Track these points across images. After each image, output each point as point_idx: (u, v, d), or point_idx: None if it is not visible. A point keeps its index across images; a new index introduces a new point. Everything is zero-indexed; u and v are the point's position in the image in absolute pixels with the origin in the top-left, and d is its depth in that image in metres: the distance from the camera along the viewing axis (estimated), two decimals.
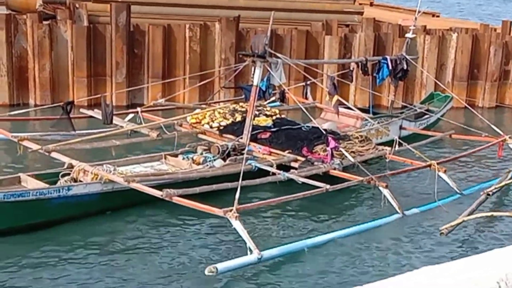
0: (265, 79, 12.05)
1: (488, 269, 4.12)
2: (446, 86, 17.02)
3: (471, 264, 4.40)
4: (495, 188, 10.84)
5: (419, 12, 14.50)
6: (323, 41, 17.42)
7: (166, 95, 15.43)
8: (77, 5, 16.26)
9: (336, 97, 11.85)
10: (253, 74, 11.62)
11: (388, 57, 13.88)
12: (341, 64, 16.55)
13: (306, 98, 14.66)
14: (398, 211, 10.12)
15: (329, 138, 10.89)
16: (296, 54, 16.72)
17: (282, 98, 14.40)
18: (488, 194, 10.54)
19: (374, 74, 13.80)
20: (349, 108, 13.08)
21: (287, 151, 11.36)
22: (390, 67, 13.55)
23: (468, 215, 9.74)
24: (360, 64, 13.64)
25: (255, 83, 11.49)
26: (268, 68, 11.52)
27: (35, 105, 15.43)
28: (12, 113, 11.71)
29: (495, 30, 18.91)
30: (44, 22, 15.81)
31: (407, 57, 13.97)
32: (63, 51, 15.79)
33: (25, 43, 15.58)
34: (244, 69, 13.32)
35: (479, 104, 17.96)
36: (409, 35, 14.34)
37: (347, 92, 17.04)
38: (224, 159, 10.92)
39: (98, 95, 12.77)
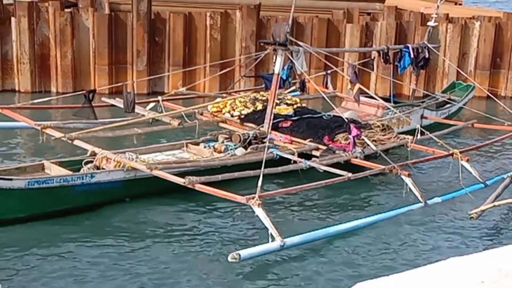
0: (285, 68, 12.01)
1: None
2: (468, 75, 16.87)
3: (500, 255, 4.36)
4: None
5: (441, 0, 14.37)
6: (344, 29, 17.35)
7: (186, 83, 15.47)
8: None
9: (357, 86, 11.80)
10: (275, 63, 11.58)
11: (410, 46, 13.79)
12: (362, 52, 16.46)
13: (327, 87, 14.62)
14: (421, 200, 10.08)
15: (351, 126, 10.85)
16: (317, 42, 16.67)
17: (302, 87, 14.32)
18: None
19: (396, 63, 13.74)
20: (370, 97, 13.02)
21: (308, 140, 11.35)
22: (412, 56, 13.47)
23: (494, 199, 9.69)
24: (381, 52, 13.57)
25: (276, 72, 11.46)
26: (290, 57, 11.48)
27: (57, 93, 15.58)
28: (35, 101, 11.77)
29: None
30: (66, 10, 15.95)
31: (429, 45, 13.87)
32: (85, 39, 15.88)
33: (47, 31, 15.68)
34: (264, 58, 13.29)
35: (501, 93, 17.79)
36: (431, 23, 14.23)
37: (367, 80, 16.94)
38: (245, 148, 10.93)
39: (120, 83, 12.83)
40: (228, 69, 14.52)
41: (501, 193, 10.00)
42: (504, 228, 9.69)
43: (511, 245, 5.26)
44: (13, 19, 15.47)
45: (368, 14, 18.20)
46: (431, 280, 3.91)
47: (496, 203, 9.60)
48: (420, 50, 13.64)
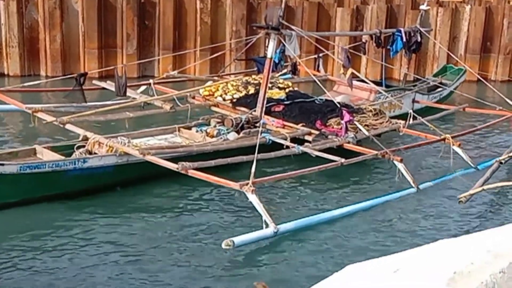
0: (277, 51, 11.96)
1: (507, 242, 4.09)
2: (458, 59, 16.89)
3: (489, 237, 4.37)
4: (508, 157, 10.84)
5: None
6: (335, 13, 17.34)
7: (177, 67, 15.41)
8: None
9: (350, 70, 11.78)
10: (267, 47, 11.52)
11: (402, 30, 13.77)
12: (353, 36, 16.42)
13: (318, 71, 14.60)
14: (413, 185, 10.09)
15: (344, 112, 10.83)
16: (308, 26, 16.64)
17: (294, 70, 14.33)
18: (501, 162, 10.61)
19: (388, 47, 13.71)
20: (363, 81, 13.00)
21: (300, 124, 11.32)
22: (404, 40, 13.45)
23: (483, 183, 9.74)
24: (374, 36, 13.54)
25: (269, 56, 11.40)
26: (282, 41, 11.43)
27: (46, 76, 15.45)
28: (26, 84, 11.66)
29: (508, 2, 18.73)
30: None
31: (421, 29, 13.84)
32: (74, 23, 15.76)
33: (36, 14, 15.54)
34: (255, 41, 13.24)
35: (491, 77, 17.85)
36: (423, 7, 14.21)
37: (358, 64, 16.95)
38: (237, 132, 10.89)
39: (111, 67, 12.73)
40: (219, 53, 14.44)
41: (490, 177, 10.05)
42: (492, 211, 9.75)
43: (499, 227, 5.28)
44: (1, 2, 15.32)
45: None
46: (420, 262, 3.91)
47: (485, 187, 9.66)
48: (412, 34, 13.62)
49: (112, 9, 15.96)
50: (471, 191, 9.44)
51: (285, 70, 13.96)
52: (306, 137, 11.04)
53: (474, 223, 9.31)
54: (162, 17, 16.28)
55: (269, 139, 10.63)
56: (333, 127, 11.13)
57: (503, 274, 3.49)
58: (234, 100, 12.14)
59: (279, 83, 12.94)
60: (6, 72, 15.58)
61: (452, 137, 11.18)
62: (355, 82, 12.53)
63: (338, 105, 11.17)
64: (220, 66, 16.00)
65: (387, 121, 11.77)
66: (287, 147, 10.43)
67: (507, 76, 18.22)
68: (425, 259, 3.95)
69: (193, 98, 12.35)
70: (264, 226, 8.19)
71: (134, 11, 15.97)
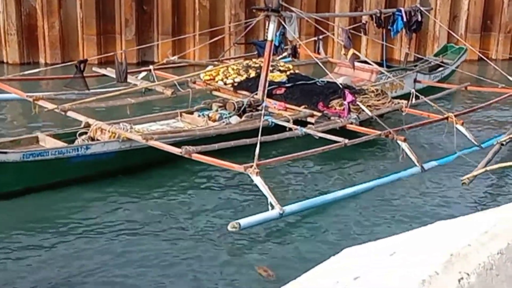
0: (278, 34, 11.90)
1: (505, 222, 4.06)
2: (459, 38, 16.81)
3: (487, 218, 4.34)
4: (509, 138, 10.81)
5: None
6: None
7: (176, 52, 15.34)
8: None
9: (351, 51, 11.71)
10: (267, 29, 11.46)
11: (402, 9, 13.69)
12: (353, 17, 16.33)
13: (319, 53, 14.54)
14: (417, 164, 10.05)
15: (346, 92, 10.78)
16: (307, 7, 16.54)
17: (294, 53, 14.27)
18: (502, 144, 10.57)
19: (389, 27, 13.63)
20: (364, 61, 12.93)
21: (302, 107, 11.28)
22: (405, 19, 13.38)
23: (485, 165, 9.72)
24: (374, 16, 13.47)
25: (269, 38, 11.34)
26: (283, 22, 11.36)
27: (45, 64, 15.39)
28: (26, 72, 11.62)
29: None
30: None
31: (422, 8, 13.77)
32: (72, 9, 15.67)
33: (34, 1, 15.47)
34: (254, 25, 13.17)
35: (492, 56, 17.77)
36: None
37: (358, 45, 16.84)
38: (240, 116, 10.85)
39: (111, 53, 12.68)
40: (218, 38, 14.36)
41: (492, 158, 10.04)
42: (495, 193, 9.72)
43: (497, 207, 5.25)
44: None
45: None
46: (416, 244, 3.88)
47: (488, 168, 9.64)
48: (412, 14, 13.55)
49: None
50: (474, 173, 9.42)
51: (285, 54, 13.89)
52: (309, 119, 11.00)
53: (476, 204, 9.29)
54: (161, 2, 16.18)
55: (272, 122, 10.59)
56: (335, 109, 11.10)
57: (501, 255, 3.45)
58: (235, 84, 12.09)
59: (280, 66, 12.88)
60: (5, 60, 15.50)
61: (455, 116, 11.14)
62: (356, 63, 12.46)
63: (340, 86, 11.12)
64: (219, 50, 15.92)
65: (389, 101, 11.73)
66: (290, 129, 10.40)
67: (508, 54, 18.16)
68: (422, 241, 3.92)
69: (194, 83, 12.30)
70: (269, 208, 8.18)
71: None
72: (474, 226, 3.96)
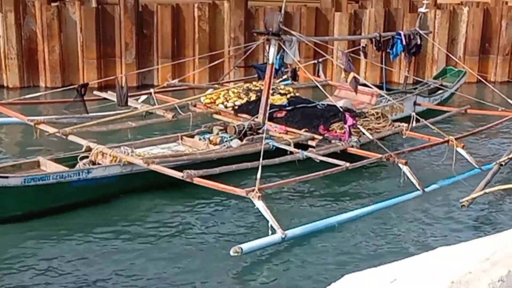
0: (278, 57, 11.94)
1: (505, 249, 4.04)
2: (457, 61, 16.90)
3: (487, 244, 4.32)
4: (508, 159, 10.83)
5: None
6: (332, 17, 17.35)
7: (176, 75, 15.40)
8: None
9: (352, 74, 11.73)
10: (268, 53, 11.50)
11: (401, 33, 13.76)
12: (352, 41, 16.42)
13: (318, 76, 14.59)
14: (418, 187, 10.05)
15: (347, 116, 10.80)
16: (306, 31, 16.63)
17: (294, 76, 14.32)
18: (501, 165, 10.59)
19: (388, 50, 13.68)
20: (365, 85, 12.97)
21: (303, 130, 11.29)
22: (404, 43, 13.43)
23: (484, 186, 9.73)
24: (373, 40, 13.53)
25: (270, 61, 11.37)
26: (283, 46, 11.40)
27: (46, 88, 15.45)
28: (27, 96, 11.65)
29: (506, 3, 18.74)
30: (53, 4, 15.79)
31: (421, 32, 13.84)
32: (72, 33, 15.74)
33: (34, 25, 15.53)
34: (253, 48, 13.23)
35: (491, 78, 17.85)
36: (422, 9, 14.20)
37: (358, 68, 16.87)
38: (240, 139, 10.86)
39: (112, 77, 12.72)
40: (218, 61, 14.41)
41: (491, 180, 10.06)
42: (494, 215, 9.71)
43: (498, 233, 5.23)
44: None
45: (357, 2, 18.19)
46: (417, 271, 3.87)
47: (486, 190, 9.65)
48: (412, 37, 13.61)
49: (110, 18, 15.94)
50: (473, 195, 9.44)
51: (285, 76, 13.93)
52: (310, 142, 11.01)
53: (476, 227, 9.29)
54: (160, 26, 16.26)
55: (273, 145, 10.59)
56: (336, 132, 11.11)
57: (502, 283, 3.45)
58: (236, 107, 12.11)
59: (280, 89, 12.91)
60: (5, 84, 15.54)
61: (456, 139, 11.14)
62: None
63: (341, 110, 11.14)
64: (219, 74, 15.98)
65: (389, 124, 11.75)
66: (291, 152, 10.40)
67: (507, 77, 18.24)
68: (423, 268, 3.91)
69: (195, 106, 12.33)
70: (271, 232, 8.15)
71: (132, 20, 15.95)
72: (474, 252, 3.95)
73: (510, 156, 10.95)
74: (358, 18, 17.46)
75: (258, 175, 8.53)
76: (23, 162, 9.63)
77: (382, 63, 14.25)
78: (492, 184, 10.00)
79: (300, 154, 10.25)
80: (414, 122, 11.62)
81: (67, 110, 11.22)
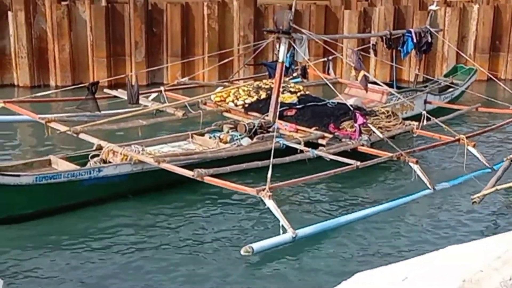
0: (288, 55, 11.93)
1: None
2: (468, 58, 16.83)
3: (499, 242, 4.30)
4: None
5: None
6: (342, 15, 17.31)
7: (185, 73, 15.42)
8: None
9: (362, 73, 11.71)
10: (278, 51, 11.49)
11: (412, 30, 13.71)
12: (361, 38, 16.40)
13: (328, 74, 14.57)
14: (429, 186, 10.03)
15: (357, 114, 10.79)
16: (315, 29, 16.57)
17: (304, 74, 14.30)
18: None
19: (399, 48, 13.65)
20: (375, 83, 12.93)
21: (313, 128, 11.27)
22: (415, 40, 13.39)
23: (495, 183, 9.71)
24: (384, 38, 13.49)
25: (280, 60, 11.36)
26: (293, 44, 11.38)
27: (56, 86, 15.47)
28: (38, 94, 11.70)
29: None
30: (63, 3, 15.82)
31: (431, 29, 13.79)
32: (82, 32, 15.76)
33: (44, 24, 15.56)
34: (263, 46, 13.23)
35: (501, 76, 17.76)
36: (432, 7, 14.15)
37: (367, 66, 16.85)
38: (251, 137, 10.85)
39: (122, 75, 12.73)
40: (228, 60, 14.43)
41: (501, 176, 10.06)
42: (506, 212, 9.68)
43: (509, 231, 5.22)
44: (10, 13, 15.33)
45: None
46: (428, 270, 3.86)
47: (498, 187, 9.65)
48: (422, 35, 13.56)
49: (120, 17, 15.95)
50: (484, 192, 9.45)
51: (295, 74, 13.91)
52: (320, 141, 10.98)
53: (488, 224, 9.29)
54: (170, 24, 16.26)
55: (283, 144, 10.58)
56: (346, 130, 11.09)
57: None
58: (246, 105, 12.11)
59: (291, 87, 12.89)
60: (16, 83, 15.58)
61: (467, 137, 11.11)
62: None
63: (351, 108, 11.12)
64: (228, 72, 15.97)
65: (400, 123, 11.73)
66: (301, 151, 10.38)
67: None
68: (434, 266, 3.91)
69: (205, 104, 12.33)
70: (281, 231, 8.15)
71: (141, 18, 15.97)
72: (486, 251, 3.95)
73: None
74: (367, 16, 17.42)
75: (269, 174, 8.52)
76: (34, 161, 9.65)
77: (392, 61, 14.21)
78: (503, 180, 9.95)
79: (311, 152, 10.24)
80: (424, 121, 11.61)
81: (79, 108, 11.23)
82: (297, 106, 11.92)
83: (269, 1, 17.14)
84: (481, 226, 9.24)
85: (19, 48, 15.38)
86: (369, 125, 11.05)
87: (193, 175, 8.87)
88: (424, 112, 11.73)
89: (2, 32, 15.43)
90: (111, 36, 15.92)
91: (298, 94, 12.60)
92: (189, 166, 9.22)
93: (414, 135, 11.69)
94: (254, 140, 10.78)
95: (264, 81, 13.18)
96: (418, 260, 4.24)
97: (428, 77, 15.78)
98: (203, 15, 16.48)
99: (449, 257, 4.08)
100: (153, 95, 12.75)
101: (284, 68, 11.62)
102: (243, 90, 12.55)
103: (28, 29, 15.38)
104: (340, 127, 11.19)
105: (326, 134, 11.09)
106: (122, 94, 12.01)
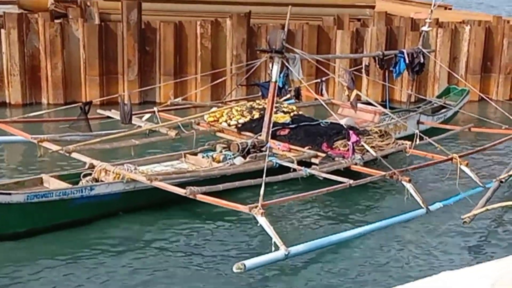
0: (281, 76, 11.95)
1: (511, 274, 4.00)
2: (460, 79, 16.89)
3: (492, 269, 4.28)
4: (508, 175, 10.84)
5: (434, 5, 14.36)
6: (334, 35, 17.34)
7: (178, 93, 15.43)
8: (88, 3, 16.24)
9: (354, 92, 11.75)
10: (271, 70, 11.50)
11: (404, 51, 13.77)
12: (354, 58, 16.46)
13: (322, 95, 14.59)
14: (422, 205, 10.03)
15: (351, 133, 10.79)
16: (308, 49, 16.57)
17: (297, 94, 14.30)
18: (501, 182, 10.61)
19: (391, 68, 13.70)
20: (368, 103, 12.96)
21: (306, 147, 11.27)
22: (407, 61, 13.44)
23: (485, 203, 9.74)
24: (377, 58, 13.54)
25: (273, 79, 11.37)
26: (286, 64, 11.41)
27: (48, 104, 15.43)
28: (31, 114, 11.70)
29: (508, 22, 18.77)
30: (56, 21, 15.79)
31: (424, 50, 13.85)
32: (75, 50, 15.74)
33: (37, 42, 15.53)
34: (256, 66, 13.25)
35: (493, 97, 17.81)
36: (425, 28, 14.23)
37: (359, 86, 16.86)
38: (244, 157, 10.84)
39: (115, 95, 12.73)
40: (221, 80, 14.45)
41: (491, 196, 10.08)
42: (496, 232, 9.73)
43: (503, 258, 5.18)
44: (2, 30, 15.28)
45: (358, 20, 18.18)
46: None
47: (488, 207, 9.67)
48: (415, 55, 13.62)
49: (113, 35, 15.96)
50: (474, 212, 9.46)
51: (288, 95, 13.91)
52: (313, 160, 10.98)
53: (479, 245, 9.32)
54: (163, 43, 16.27)
55: (276, 163, 10.57)
56: (339, 149, 11.09)
57: None
58: (239, 125, 12.10)
59: (284, 107, 12.89)
60: (7, 101, 15.49)
61: (460, 157, 11.14)
62: (359, 105, 12.51)
63: (344, 127, 11.13)
64: (221, 91, 15.98)
65: (393, 142, 11.74)
66: (294, 170, 10.38)
67: (508, 95, 18.23)
68: None
69: (198, 124, 12.31)
70: (274, 248, 8.12)
71: (134, 37, 15.97)
72: (479, 277, 3.91)
73: (510, 173, 10.95)
74: (360, 36, 17.47)
75: (262, 192, 8.49)
76: (26, 179, 9.61)
77: (384, 81, 14.26)
78: (493, 201, 9.98)
79: (303, 171, 10.24)
80: (417, 140, 11.62)
81: (71, 128, 11.22)
82: (290, 126, 11.92)
83: (262, 21, 17.19)
84: (474, 246, 9.28)
85: (12, 65, 15.33)
86: (362, 143, 11.05)
87: (185, 193, 8.85)
88: (416, 131, 11.76)
89: None
90: (104, 54, 15.91)
91: (291, 114, 12.60)
92: (182, 185, 9.19)
93: (407, 155, 11.70)
94: (247, 159, 10.76)
95: (258, 101, 13.18)
96: (411, 286, 4.20)
97: (421, 97, 15.82)
98: (196, 34, 16.49)
99: (442, 284, 4.05)
100: (147, 115, 12.72)
101: (277, 88, 11.64)
102: (236, 110, 12.55)
103: (21, 47, 15.35)
104: (333, 146, 11.20)
105: (319, 153, 11.09)
106: (115, 114, 11.98)
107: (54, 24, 15.53)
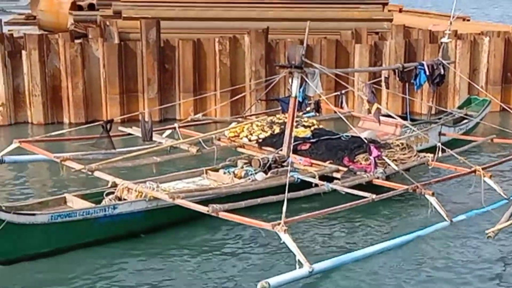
0: (301, 90, 11.92)
1: None
2: (480, 90, 16.79)
3: None
4: None
5: (453, 16, 14.31)
6: (353, 49, 17.33)
7: (198, 109, 15.48)
8: (107, 23, 16.34)
9: (375, 105, 11.71)
10: (291, 86, 11.51)
11: (424, 63, 13.70)
12: (373, 72, 16.42)
13: (342, 108, 14.56)
14: (446, 218, 9.95)
15: (372, 147, 10.75)
16: (327, 63, 16.57)
17: (317, 108, 14.29)
18: None
19: (412, 81, 13.64)
20: (389, 115, 12.90)
21: (328, 162, 11.22)
22: (428, 73, 13.38)
23: (510, 216, 9.60)
24: (397, 71, 13.50)
25: (293, 94, 11.37)
26: (306, 79, 11.40)
27: (70, 124, 15.56)
28: (53, 133, 11.79)
29: None
30: (76, 41, 15.96)
31: (444, 62, 13.79)
32: (95, 69, 15.87)
33: (57, 62, 15.69)
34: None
35: None
36: (444, 39, 14.17)
37: (379, 99, 16.79)
38: (265, 172, 10.82)
39: (135, 113, 12.78)
40: (240, 95, 14.48)
41: None
42: None
43: None
44: (23, 52, 15.48)
45: (376, 33, 18.14)
46: None
47: None
48: (435, 67, 13.55)
49: (132, 54, 16.07)
50: (499, 226, 9.30)
51: (308, 109, 13.91)
52: (335, 174, 10.93)
53: (505, 258, 9.20)
54: (182, 60, 16.35)
55: (298, 178, 10.53)
56: (361, 163, 11.04)
57: None
58: (260, 141, 12.09)
59: (304, 121, 12.88)
60: (30, 121, 15.68)
61: (483, 169, 11.03)
62: (380, 118, 12.44)
63: (365, 141, 11.09)
64: (240, 107, 16.01)
65: (415, 155, 11.66)
66: (316, 185, 10.33)
67: None
68: None
69: (219, 140, 12.33)
70: (298, 266, 8.08)
71: (154, 55, 16.07)
72: None
73: None
74: (378, 49, 17.44)
75: (284, 209, 8.45)
76: (49, 199, 9.67)
77: (405, 94, 14.20)
78: None
79: (326, 186, 10.19)
80: (439, 153, 11.54)
81: (94, 146, 11.29)
82: (311, 140, 11.90)
83: (280, 36, 17.21)
84: (498, 260, 9.15)
85: (33, 86, 15.50)
86: (384, 157, 11.00)
87: (208, 211, 8.82)
88: (438, 144, 11.67)
89: (16, 70, 15.55)
90: (124, 73, 16.02)
91: (312, 128, 12.58)
92: (204, 202, 9.18)
93: (430, 167, 11.61)
94: (269, 174, 10.74)
95: (278, 116, 13.18)
96: None
97: (441, 108, 15.73)
98: (214, 51, 16.57)
99: None
100: (167, 131, 12.77)
101: (297, 103, 11.63)
102: (257, 125, 12.55)
103: (42, 68, 15.51)
104: (355, 160, 11.15)
105: (340, 168, 11.04)
106: (136, 131, 12.04)
107: (74, 44, 15.68)
